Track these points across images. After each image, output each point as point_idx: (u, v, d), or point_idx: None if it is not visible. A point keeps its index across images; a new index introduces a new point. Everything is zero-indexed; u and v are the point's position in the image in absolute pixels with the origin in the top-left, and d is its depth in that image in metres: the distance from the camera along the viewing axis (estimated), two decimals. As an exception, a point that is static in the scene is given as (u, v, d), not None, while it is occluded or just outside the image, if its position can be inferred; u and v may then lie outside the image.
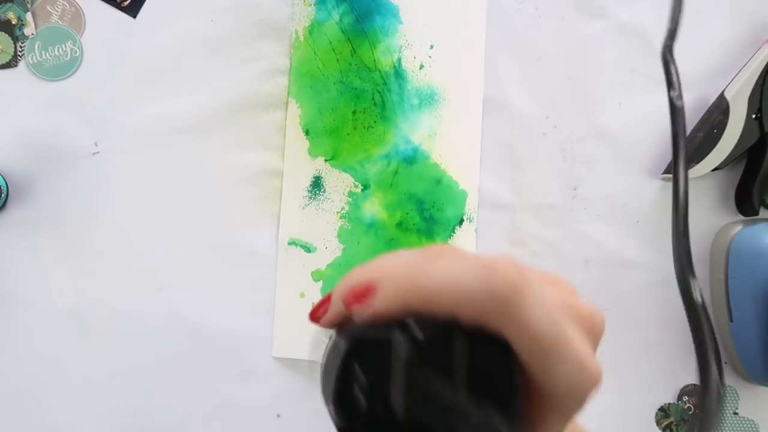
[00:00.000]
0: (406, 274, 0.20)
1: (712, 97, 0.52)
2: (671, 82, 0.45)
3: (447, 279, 0.19)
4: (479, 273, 0.19)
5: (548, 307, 0.19)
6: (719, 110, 0.50)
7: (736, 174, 0.53)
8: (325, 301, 0.23)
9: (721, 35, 0.53)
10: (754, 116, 0.50)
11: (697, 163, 0.50)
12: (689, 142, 0.51)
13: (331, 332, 0.23)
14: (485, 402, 0.18)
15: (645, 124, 0.54)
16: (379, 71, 0.51)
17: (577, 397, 0.20)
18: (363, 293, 0.20)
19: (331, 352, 0.21)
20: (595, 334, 0.22)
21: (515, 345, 0.19)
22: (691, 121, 0.53)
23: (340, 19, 0.51)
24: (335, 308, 0.22)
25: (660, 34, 0.54)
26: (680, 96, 0.44)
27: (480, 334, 0.19)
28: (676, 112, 0.43)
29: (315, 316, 0.23)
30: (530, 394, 0.20)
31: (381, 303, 0.20)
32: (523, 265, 0.20)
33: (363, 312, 0.20)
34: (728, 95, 0.50)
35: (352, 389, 0.19)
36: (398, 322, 0.19)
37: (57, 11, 0.50)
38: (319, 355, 0.23)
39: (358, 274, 0.21)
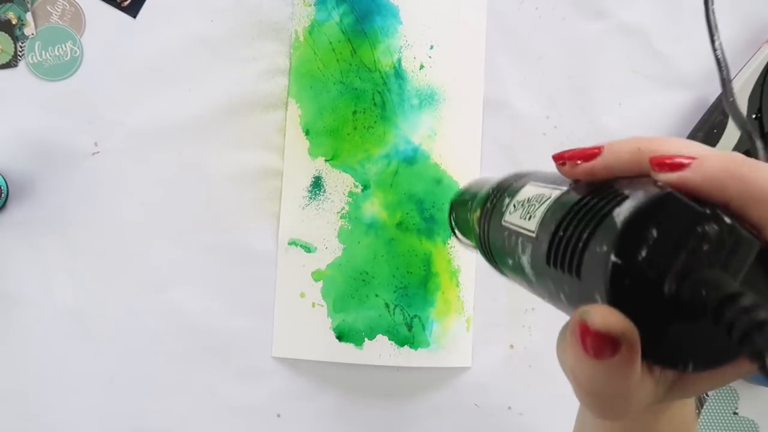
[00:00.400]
0: (736, 163, 0.19)
1: (712, 97, 0.52)
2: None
3: None
4: None
5: None
6: (719, 110, 0.50)
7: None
8: (592, 151, 0.22)
9: (720, 35, 0.53)
10: (754, 116, 0.50)
11: (697, 163, 0.50)
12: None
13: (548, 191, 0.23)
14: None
15: (645, 124, 0.54)
16: (379, 71, 0.51)
17: None
18: (679, 164, 0.20)
19: (592, 202, 0.20)
20: None
21: None
22: (691, 121, 0.53)
23: (341, 20, 0.51)
24: (621, 159, 0.21)
25: (660, 34, 0.54)
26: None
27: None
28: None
29: (568, 156, 0.23)
30: None
31: (703, 174, 0.19)
32: None
33: (673, 179, 0.20)
34: (728, 95, 0.50)
35: (642, 236, 0.18)
36: (708, 203, 0.19)
37: (57, 11, 0.50)
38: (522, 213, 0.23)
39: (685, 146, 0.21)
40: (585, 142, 0.55)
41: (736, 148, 0.50)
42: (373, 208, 0.51)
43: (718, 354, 0.19)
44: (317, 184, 0.51)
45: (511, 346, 0.53)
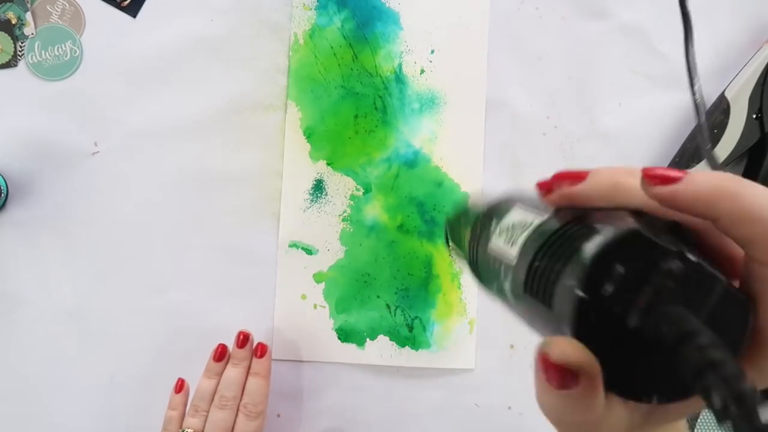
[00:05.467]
0: (728, 180, 0.19)
1: (712, 97, 0.52)
2: None
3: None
4: None
5: None
6: (719, 110, 0.50)
7: (736, 174, 0.53)
8: (579, 174, 0.22)
9: (721, 35, 0.53)
10: (754, 116, 0.50)
11: (698, 163, 0.50)
12: (689, 142, 0.51)
13: (533, 217, 0.23)
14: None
15: (645, 124, 0.54)
16: (380, 76, 0.51)
17: None
18: (671, 178, 0.20)
19: (568, 238, 0.21)
20: None
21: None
22: (691, 121, 0.53)
23: (342, 25, 0.51)
24: (600, 189, 0.21)
25: (660, 34, 0.54)
26: None
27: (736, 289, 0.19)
28: None
29: (548, 186, 0.23)
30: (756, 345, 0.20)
31: (695, 189, 0.19)
32: None
33: (665, 192, 0.19)
34: (728, 95, 0.50)
35: (608, 272, 0.19)
36: (672, 233, 0.19)
37: (57, 11, 0.50)
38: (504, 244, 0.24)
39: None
40: (585, 142, 0.55)
41: (737, 149, 0.50)
42: (375, 210, 0.51)
43: (682, 387, 0.19)
44: (319, 187, 0.51)
45: (512, 347, 0.53)
